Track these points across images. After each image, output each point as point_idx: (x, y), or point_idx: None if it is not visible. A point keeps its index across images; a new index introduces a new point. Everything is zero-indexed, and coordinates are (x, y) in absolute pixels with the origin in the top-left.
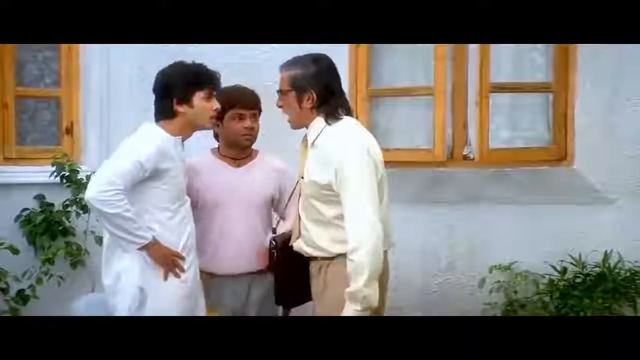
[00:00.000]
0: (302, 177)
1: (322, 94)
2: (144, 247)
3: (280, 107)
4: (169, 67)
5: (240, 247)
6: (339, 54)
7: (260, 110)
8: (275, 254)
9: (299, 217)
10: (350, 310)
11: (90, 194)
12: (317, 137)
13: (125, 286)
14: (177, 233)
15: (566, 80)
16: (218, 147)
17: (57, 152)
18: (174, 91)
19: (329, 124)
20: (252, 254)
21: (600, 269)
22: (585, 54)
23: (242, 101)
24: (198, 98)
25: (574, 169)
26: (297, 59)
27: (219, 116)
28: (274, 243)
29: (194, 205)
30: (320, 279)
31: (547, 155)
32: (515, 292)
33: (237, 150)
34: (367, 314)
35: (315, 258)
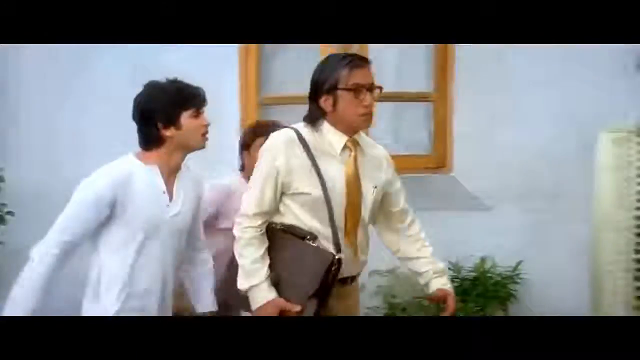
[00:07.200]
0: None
1: None
2: None
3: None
4: (145, 90)
5: None
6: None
7: None
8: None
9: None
10: None
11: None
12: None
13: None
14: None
15: (445, 90)
16: (245, 172)
17: None
18: (157, 116)
19: None
20: None
21: (476, 274)
22: (463, 63)
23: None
24: (185, 118)
25: (453, 177)
26: None
27: (246, 147)
28: None
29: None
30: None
31: (428, 163)
32: (394, 296)
33: None
34: None
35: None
